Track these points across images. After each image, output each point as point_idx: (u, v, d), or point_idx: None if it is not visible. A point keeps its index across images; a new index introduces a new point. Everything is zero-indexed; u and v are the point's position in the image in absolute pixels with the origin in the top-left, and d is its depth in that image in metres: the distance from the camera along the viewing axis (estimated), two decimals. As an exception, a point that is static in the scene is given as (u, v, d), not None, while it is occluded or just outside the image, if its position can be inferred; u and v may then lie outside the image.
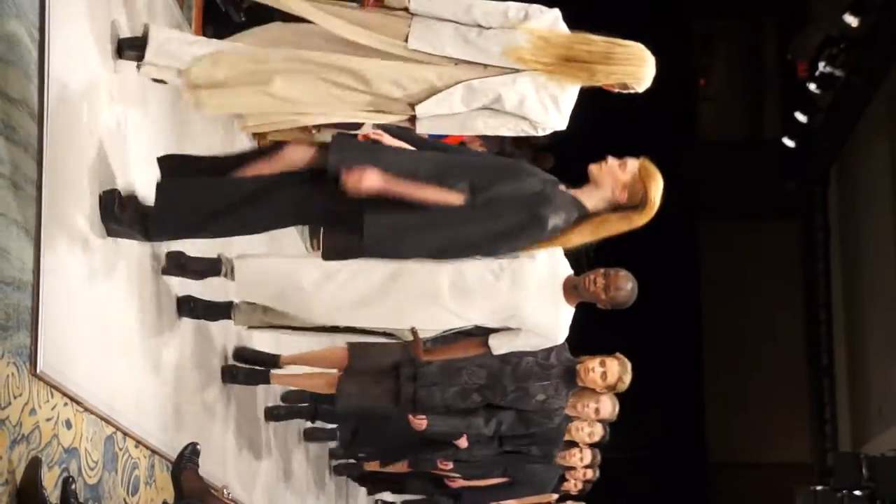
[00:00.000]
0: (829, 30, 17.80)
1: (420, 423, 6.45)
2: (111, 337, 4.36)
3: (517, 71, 4.49)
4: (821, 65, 17.98)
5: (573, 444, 8.04)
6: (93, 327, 4.17)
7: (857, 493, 14.88)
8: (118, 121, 4.54)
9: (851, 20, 16.63)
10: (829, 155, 20.36)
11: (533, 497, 8.44)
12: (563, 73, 4.50)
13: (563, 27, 4.58)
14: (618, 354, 6.55)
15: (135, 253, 4.65)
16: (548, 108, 4.58)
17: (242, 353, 6.33)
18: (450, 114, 4.54)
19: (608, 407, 7.20)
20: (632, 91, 4.64)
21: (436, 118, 4.56)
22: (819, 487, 16.06)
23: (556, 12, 4.59)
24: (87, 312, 4.12)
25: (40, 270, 3.68)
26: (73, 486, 3.81)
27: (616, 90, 4.63)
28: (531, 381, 6.40)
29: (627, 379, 6.52)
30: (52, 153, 3.80)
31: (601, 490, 9.14)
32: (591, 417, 7.45)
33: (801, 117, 19.69)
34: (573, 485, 8.66)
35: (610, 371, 6.47)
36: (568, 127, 4.71)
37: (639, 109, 5.10)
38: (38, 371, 3.64)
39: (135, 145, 4.71)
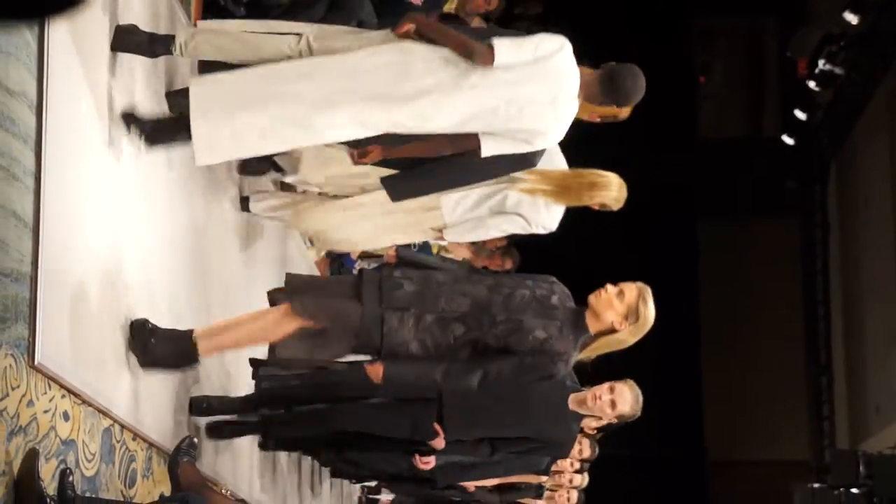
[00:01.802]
0: (830, 27, 17.82)
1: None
2: (109, 329, 4.37)
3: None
4: (821, 62, 18.01)
5: None
6: (91, 320, 4.18)
7: (854, 490, 14.91)
8: (120, 110, 4.55)
9: (851, 18, 16.65)
10: (828, 152, 20.38)
11: (522, 476, 7.96)
12: (558, 197, 5.61)
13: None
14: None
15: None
16: (540, 209, 5.77)
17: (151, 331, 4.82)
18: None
19: (628, 398, 5.71)
20: (607, 207, 5.78)
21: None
22: (816, 485, 16.09)
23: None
24: (85, 304, 4.12)
25: (39, 262, 3.69)
26: (70, 478, 3.81)
27: (597, 208, 5.75)
28: (528, 314, 5.00)
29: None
30: (51, 145, 3.81)
31: (599, 488, 9.14)
32: (607, 413, 6.16)
33: (800, 115, 19.71)
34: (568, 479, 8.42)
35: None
36: (570, 127, 4.99)
37: (638, 107, 5.12)
38: (35, 363, 3.64)
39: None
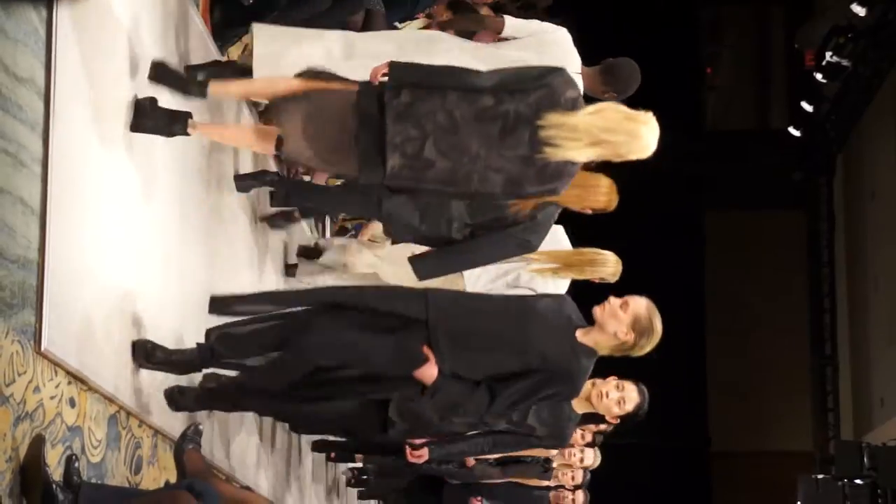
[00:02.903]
0: (837, 19, 17.79)
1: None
2: (115, 315, 4.37)
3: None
4: (828, 55, 17.98)
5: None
6: (98, 306, 4.19)
7: (858, 482, 14.92)
8: (128, 98, 4.55)
9: (859, 10, 16.63)
10: (834, 145, 20.37)
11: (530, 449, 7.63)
12: (562, 273, 6.25)
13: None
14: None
15: (140, 233, 4.67)
16: (548, 285, 6.27)
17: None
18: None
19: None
20: (605, 280, 6.29)
21: None
22: (821, 476, 16.11)
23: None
24: (92, 291, 4.13)
25: (46, 248, 3.70)
26: (76, 465, 3.83)
27: (597, 281, 6.29)
28: None
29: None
30: (58, 132, 3.81)
31: (602, 478, 9.14)
32: (612, 411, 6.16)
33: (807, 107, 19.69)
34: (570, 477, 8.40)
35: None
36: None
37: (645, 98, 5.13)
38: (42, 349, 3.65)
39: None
